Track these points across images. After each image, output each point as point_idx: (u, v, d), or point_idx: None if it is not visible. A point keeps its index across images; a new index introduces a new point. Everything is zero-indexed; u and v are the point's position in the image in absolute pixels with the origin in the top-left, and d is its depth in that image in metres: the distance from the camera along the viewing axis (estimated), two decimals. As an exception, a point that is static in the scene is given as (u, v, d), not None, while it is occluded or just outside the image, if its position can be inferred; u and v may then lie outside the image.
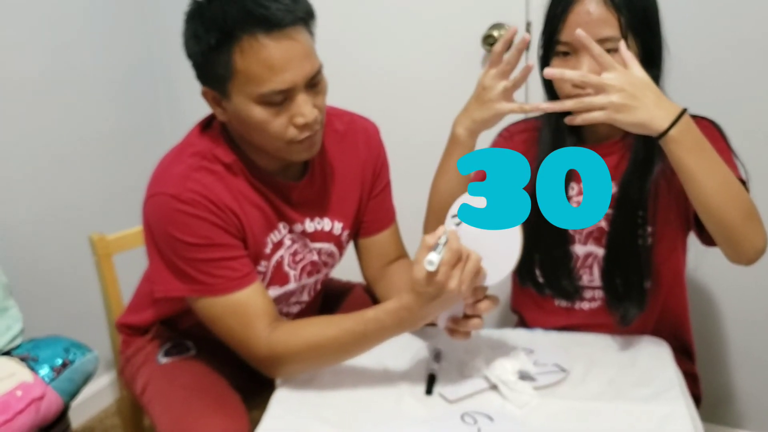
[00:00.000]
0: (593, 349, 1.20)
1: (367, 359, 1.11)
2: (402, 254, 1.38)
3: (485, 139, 1.25)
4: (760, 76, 1.51)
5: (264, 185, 1.18)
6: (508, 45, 1.13)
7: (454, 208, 1.06)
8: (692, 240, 1.24)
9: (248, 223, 1.15)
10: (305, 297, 1.33)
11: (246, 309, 1.11)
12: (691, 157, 1.00)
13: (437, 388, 1.11)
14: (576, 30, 1.02)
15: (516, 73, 1.13)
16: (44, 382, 1.41)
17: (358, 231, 1.35)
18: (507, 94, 1.13)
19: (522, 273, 1.31)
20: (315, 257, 1.28)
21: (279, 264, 1.23)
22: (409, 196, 1.44)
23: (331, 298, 1.47)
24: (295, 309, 1.32)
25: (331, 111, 1.28)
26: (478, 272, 1.00)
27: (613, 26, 1.09)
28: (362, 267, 1.39)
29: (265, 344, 1.10)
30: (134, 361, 1.35)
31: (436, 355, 1.19)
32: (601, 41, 1.08)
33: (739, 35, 1.51)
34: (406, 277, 1.29)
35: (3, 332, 1.48)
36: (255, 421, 1.08)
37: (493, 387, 1.10)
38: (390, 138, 1.36)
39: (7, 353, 1.47)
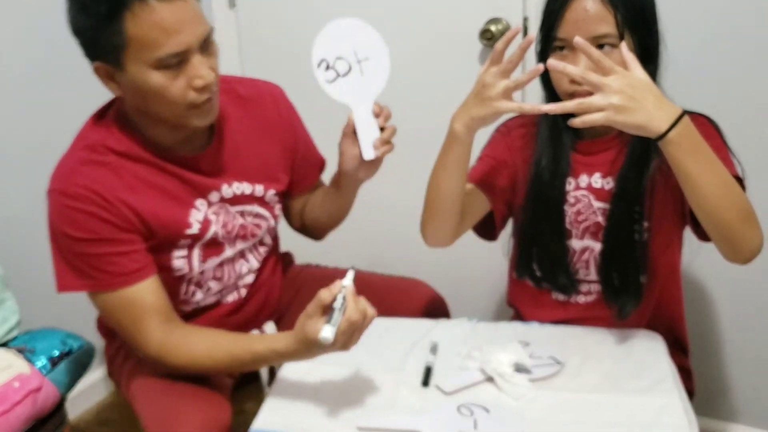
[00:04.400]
0: (588, 342, 1.21)
1: (364, 352, 1.11)
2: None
3: (483, 134, 1.25)
4: (756, 73, 1.52)
5: (170, 163, 1.17)
6: (509, 42, 1.12)
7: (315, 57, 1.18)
8: (687, 235, 1.25)
9: (151, 211, 1.15)
10: (254, 263, 1.32)
11: (134, 306, 1.13)
12: (689, 159, 1.00)
13: (434, 380, 1.12)
14: (575, 38, 1.01)
15: (519, 74, 1.12)
16: (41, 374, 1.40)
17: (290, 191, 1.37)
18: (507, 93, 1.11)
19: (519, 267, 1.32)
20: (241, 220, 1.27)
21: (213, 239, 1.23)
22: (405, 190, 1.44)
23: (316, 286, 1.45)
24: (249, 279, 1.33)
25: (231, 78, 1.30)
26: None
27: (610, 23, 1.09)
28: (289, 220, 1.43)
29: (155, 348, 1.14)
30: (117, 361, 1.35)
31: (433, 348, 1.20)
32: (598, 38, 1.09)
33: (735, 31, 1.51)
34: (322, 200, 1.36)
35: (-1, 324, 1.49)
36: (251, 413, 1.09)
37: (489, 379, 1.11)
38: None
39: (4, 345, 1.47)
